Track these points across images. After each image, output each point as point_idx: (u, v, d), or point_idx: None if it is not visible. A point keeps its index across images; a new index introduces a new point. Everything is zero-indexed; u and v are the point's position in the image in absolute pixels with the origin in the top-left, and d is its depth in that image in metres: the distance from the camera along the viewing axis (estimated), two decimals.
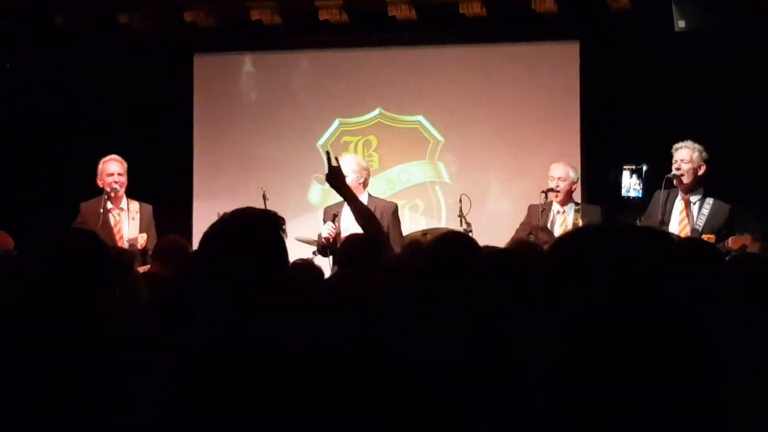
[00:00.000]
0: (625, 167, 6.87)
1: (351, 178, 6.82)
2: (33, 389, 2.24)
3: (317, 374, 2.21)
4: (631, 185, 6.94)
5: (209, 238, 2.50)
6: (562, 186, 7.40)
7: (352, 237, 5.04)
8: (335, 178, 4.80)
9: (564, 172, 7.45)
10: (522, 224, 7.49)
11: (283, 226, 2.55)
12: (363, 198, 6.82)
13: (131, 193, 7.50)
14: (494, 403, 2.41)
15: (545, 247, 6.81)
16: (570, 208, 7.41)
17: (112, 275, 2.50)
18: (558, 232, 7.32)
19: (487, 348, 2.58)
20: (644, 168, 6.65)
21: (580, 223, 7.20)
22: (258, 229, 2.52)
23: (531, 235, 7.26)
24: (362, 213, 4.80)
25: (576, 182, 7.54)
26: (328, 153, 4.92)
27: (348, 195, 4.86)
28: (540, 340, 1.28)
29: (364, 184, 7.08)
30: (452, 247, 3.35)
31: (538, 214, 7.35)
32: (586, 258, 1.28)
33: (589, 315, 1.24)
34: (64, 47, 9.18)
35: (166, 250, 5.65)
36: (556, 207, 7.44)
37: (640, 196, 6.82)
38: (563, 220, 7.40)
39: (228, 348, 2.18)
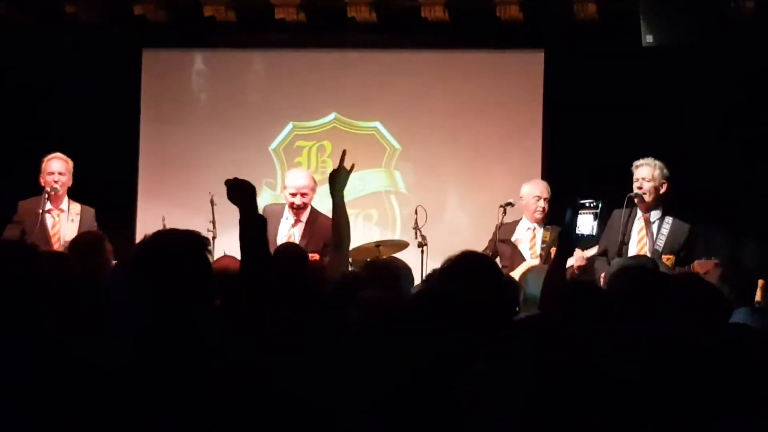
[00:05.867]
0: (581, 211, 6.31)
1: (309, 197, 6.68)
2: None
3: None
4: (585, 222, 6.52)
5: (131, 263, 2.55)
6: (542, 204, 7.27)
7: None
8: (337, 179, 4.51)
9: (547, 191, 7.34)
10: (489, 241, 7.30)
11: (209, 247, 2.53)
12: (305, 211, 6.65)
13: (74, 192, 7.29)
14: None
15: (500, 260, 6.63)
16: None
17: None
18: (526, 250, 7.11)
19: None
20: (599, 207, 6.30)
21: (548, 239, 7.01)
22: (180, 251, 2.48)
23: (487, 250, 7.04)
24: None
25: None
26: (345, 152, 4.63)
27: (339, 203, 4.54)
28: None
29: None
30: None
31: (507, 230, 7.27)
32: None
33: None
34: (3, 36, 8.84)
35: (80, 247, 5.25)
36: (525, 224, 7.29)
37: (593, 234, 6.48)
38: (532, 236, 7.24)
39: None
